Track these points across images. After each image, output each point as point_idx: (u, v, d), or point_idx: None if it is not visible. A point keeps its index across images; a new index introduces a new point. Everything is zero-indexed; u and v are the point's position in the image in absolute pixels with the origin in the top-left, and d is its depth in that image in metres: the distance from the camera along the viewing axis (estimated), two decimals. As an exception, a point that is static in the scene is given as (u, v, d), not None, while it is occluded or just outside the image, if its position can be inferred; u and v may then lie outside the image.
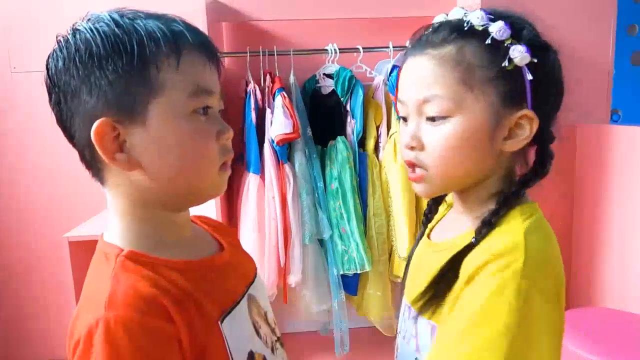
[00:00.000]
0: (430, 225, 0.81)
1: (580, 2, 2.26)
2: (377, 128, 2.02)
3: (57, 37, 0.58)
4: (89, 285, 0.61)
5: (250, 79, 1.98)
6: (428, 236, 0.78)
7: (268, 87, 1.98)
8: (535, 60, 0.63)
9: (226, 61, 2.21)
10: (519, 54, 0.62)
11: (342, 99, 2.02)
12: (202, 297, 0.61)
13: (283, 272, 1.97)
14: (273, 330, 0.75)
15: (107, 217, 0.65)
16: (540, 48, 0.64)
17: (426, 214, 0.83)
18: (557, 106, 0.69)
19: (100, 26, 0.56)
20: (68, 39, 0.57)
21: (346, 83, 1.98)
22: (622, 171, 2.03)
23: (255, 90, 1.96)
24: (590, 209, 2.24)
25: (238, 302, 0.68)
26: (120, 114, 0.56)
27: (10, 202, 2.25)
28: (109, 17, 0.57)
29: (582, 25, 2.27)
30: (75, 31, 0.57)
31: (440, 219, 0.81)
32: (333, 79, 2.02)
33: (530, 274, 0.58)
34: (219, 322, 0.62)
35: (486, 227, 0.64)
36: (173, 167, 0.60)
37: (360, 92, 1.98)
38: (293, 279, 1.95)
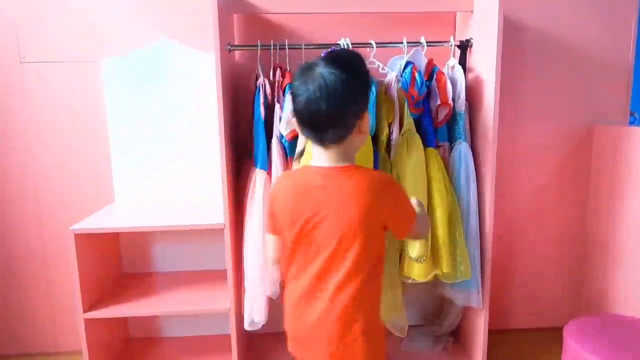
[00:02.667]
0: None
1: (601, 3, 2.21)
2: (389, 125, 1.98)
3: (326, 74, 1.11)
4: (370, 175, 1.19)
5: (261, 72, 1.95)
6: None
7: (278, 81, 1.94)
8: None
9: (236, 54, 2.19)
10: None
11: (353, 95, 1.98)
12: None
13: (289, 269, 1.94)
14: None
15: (339, 156, 1.17)
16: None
17: None
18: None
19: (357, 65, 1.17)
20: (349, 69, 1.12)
21: (358, 79, 1.94)
22: (639, 174, 1.98)
23: (265, 85, 1.93)
24: (605, 212, 2.19)
25: None
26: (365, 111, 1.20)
27: (18, 194, 2.26)
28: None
29: (603, 26, 2.22)
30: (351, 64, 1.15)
31: None
32: (345, 75, 1.98)
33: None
34: None
35: None
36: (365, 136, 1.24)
37: (373, 89, 1.94)
38: (299, 277, 1.92)
